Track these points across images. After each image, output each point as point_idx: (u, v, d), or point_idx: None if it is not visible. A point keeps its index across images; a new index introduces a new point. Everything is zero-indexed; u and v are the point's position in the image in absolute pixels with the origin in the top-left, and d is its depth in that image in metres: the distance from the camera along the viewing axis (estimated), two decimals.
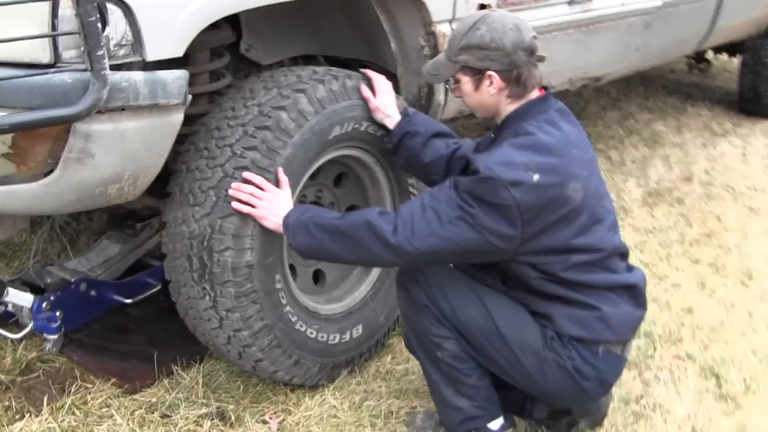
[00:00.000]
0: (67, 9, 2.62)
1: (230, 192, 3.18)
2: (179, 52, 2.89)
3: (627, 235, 5.38)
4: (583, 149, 3.13)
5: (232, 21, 3.58)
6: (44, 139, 2.76)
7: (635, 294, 3.22)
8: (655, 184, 6.41)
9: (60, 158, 2.79)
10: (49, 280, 4.02)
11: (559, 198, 2.96)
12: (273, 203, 3.18)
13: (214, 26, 3.15)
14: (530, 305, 3.16)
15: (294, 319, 3.50)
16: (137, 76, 2.78)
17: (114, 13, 2.71)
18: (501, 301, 3.18)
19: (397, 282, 3.35)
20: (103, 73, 2.61)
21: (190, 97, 2.98)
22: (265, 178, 3.22)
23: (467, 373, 3.21)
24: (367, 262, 3.57)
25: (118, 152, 2.87)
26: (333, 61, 4.30)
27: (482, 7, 4.03)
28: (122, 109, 2.78)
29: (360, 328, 3.82)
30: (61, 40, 2.66)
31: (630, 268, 3.28)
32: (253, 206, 3.17)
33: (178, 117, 3.00)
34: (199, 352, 3.90)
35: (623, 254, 3.24)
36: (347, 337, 3.76)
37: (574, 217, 3.01)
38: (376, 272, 3.93)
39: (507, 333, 3.11)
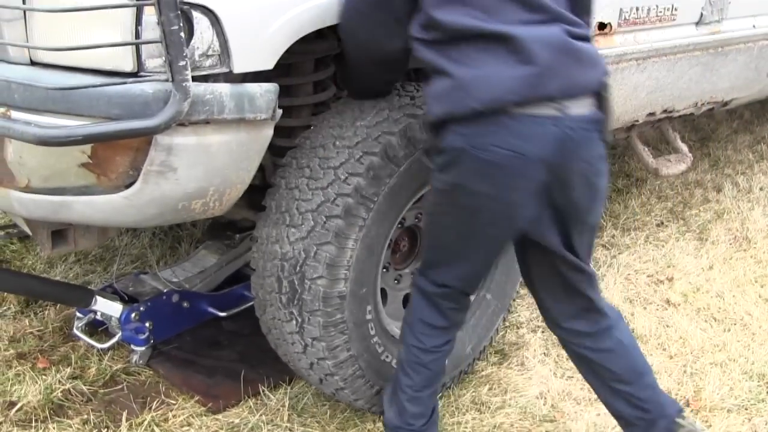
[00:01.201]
0: (151, 15, 2.51)
1: None
2: (269, 65, 2.76)
3: (748, 268, 5.18)
4: None
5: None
6: (125, 150, 2.67)
7: (514, 48, 2.61)
8: None
9: (141, 171, 2.69)
10: (140, 290, 3.95)
11: None
12: None
13: (319, 35, 3.05)
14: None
15: (381, 350, 3.39)
16: (223, 88, 2.65)
17: (200, 21, 2.58)
18: None
19: None
20: (185, 84, 2.48)
21: (280, 111, 2.85)
22: (368, 208, 3.10)
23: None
24: None
25: (201, 167, 2.75)
26: None
27: (602, 26, 3.94)
28: (207, 122, 2.66)
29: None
30: (145, 49, 2.55)
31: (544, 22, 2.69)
32: None
33: (268, 132, 2.87)
34: (288, 372, 3.78)
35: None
36: None
37: None
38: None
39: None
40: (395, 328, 3.49)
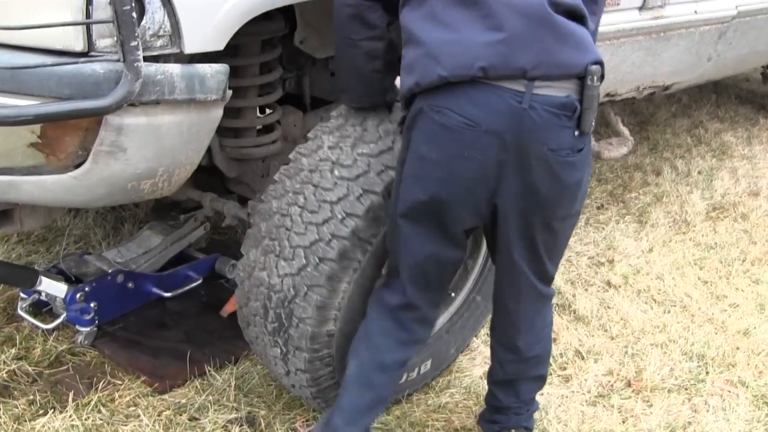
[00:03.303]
0: None
1: None
2: (220, 46, 2.75)
3: (687, 251, 5.25)
4: None
5: (286, 11, 3.39)
6: (75, 130, 2.65)
7: (485, 12, 2.52)
8: (720, 198, 6.19)
9: (91, 151, 2.67)
10: (85, 270, 3.93)
11: None
12: None
13: (266, 16, 3.02)
14: None
15: None
16: (174, 69, 2.64)
17: (152, 2, 2.58)
18: None
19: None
20: (136, 65, 2.47)
21: (230, 92, 2.84)
22: (364, 250, 2.96)
23: None
24: None
25: (151, 147, 2.74)
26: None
27: None
28: (157, 102, 2.65)
29: (429, 363, 3.59)
30: (96, 29, 2.53)
31: None
32: None
33: (217, 113, 2.87)
34: (234, 352, 3.80)
35: None
36: (414, 374, 3.54)
37: None
38: (457, 303, 3.76)
39: None
40: None
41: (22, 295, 3.96)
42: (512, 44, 2.48)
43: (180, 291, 4.19)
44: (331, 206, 2.91)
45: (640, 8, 4.57)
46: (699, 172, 6.62)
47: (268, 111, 3.87)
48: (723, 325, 4.45)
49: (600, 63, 2.59)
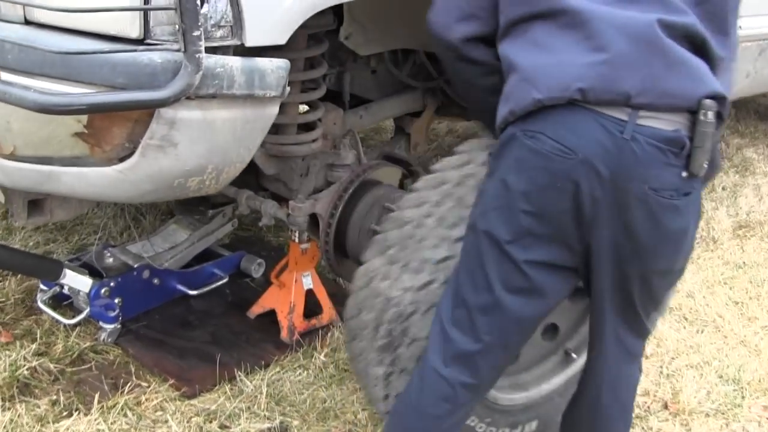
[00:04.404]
0: None
1: None
2: (282, 39, 2.60)
3: (716, 269, 5.14)
4: None
5: (335, 5, 3.22)
6: (124, 121, 2.50)
7: (587, 33, 2.28)
8: (746, 216, 6.08)
9: (139, 144, 2.52)
10: (109, 264, 3.80)
11: None
12: None
13: None
14: None
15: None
16: (234, 62, 2.49)
17: None
18: None
19: None
20: (197, 56, 2.32)
21: (288, 88, 2.69)
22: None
23: None
24: None
25: (204, 143, 2.59)
26: (434, 58, 4.04)
27: None
28: (213, 96, 2.49)
29: (534, 424, 3.25)
30: (154, 15, 2.38)
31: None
32: None
33: (273, 110, 2.71)
34: (264, 357, 3.68)
35: None
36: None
37: None
38: (579, 364, 3.29)
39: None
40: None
41: (42, 286, 3.83)
42: (616, 66, 2.22)
43: (205, 289, 4.07)
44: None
45: None
46: (723, 188, 6.52)
47: (306, 107, 3.72)
48: (756, 348, 4.33)
49: (719, 97, 2.27)
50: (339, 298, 3.85)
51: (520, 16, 2.35)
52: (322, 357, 3.78)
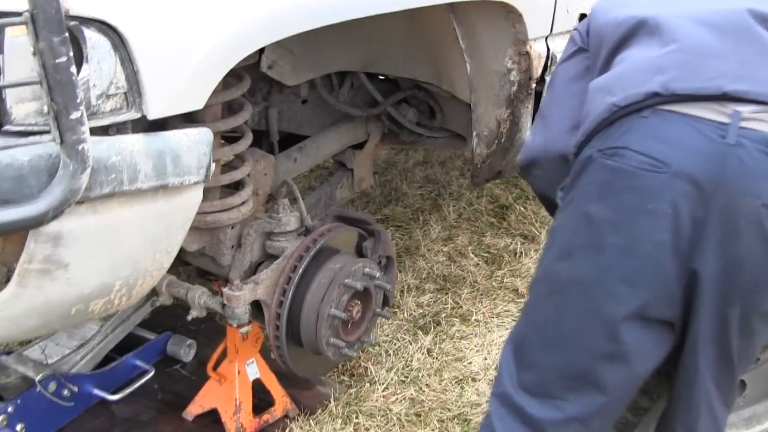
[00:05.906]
0: (18, 36, 1.62)
1: None
2: (199, 103, 1.90)
3: None
4: None
5: None
6: None
7: (655, 30, 2.04)
8: None
9: (14, 271, 1.80)
10: (4, 382, 3.06)
11: None
12: None
13: None
14: None
15: None
16: (135, 144, 1.78)
17: (96, 45, 1.70)
18: None
19: None
20: (80, 147, 1.60)
21: (213, 167, 1.96)
22: None
23: None
24: None
25: (104, 257, 1.91)
26: (376, 80, 3.57)
27: (583, 17, 3.28)
28: (111, 195, 1.76)
29: None
30: (10, 91, 1.65)
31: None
32: None
33: (196, 198, 2.02)
34: None
35: None
36: None
37: None
38: None
39: None
40: None
41: None
42: (696, 53, 1.93)
43: (128, 391, 3.29)
44: None
45: None
46: None
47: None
48: None
49: None
50: (291, 380, 3.32)
51: (606, 57, 2.13)
52: None
